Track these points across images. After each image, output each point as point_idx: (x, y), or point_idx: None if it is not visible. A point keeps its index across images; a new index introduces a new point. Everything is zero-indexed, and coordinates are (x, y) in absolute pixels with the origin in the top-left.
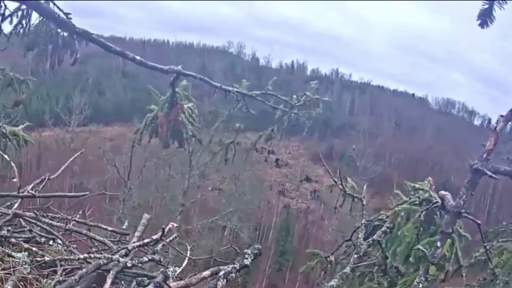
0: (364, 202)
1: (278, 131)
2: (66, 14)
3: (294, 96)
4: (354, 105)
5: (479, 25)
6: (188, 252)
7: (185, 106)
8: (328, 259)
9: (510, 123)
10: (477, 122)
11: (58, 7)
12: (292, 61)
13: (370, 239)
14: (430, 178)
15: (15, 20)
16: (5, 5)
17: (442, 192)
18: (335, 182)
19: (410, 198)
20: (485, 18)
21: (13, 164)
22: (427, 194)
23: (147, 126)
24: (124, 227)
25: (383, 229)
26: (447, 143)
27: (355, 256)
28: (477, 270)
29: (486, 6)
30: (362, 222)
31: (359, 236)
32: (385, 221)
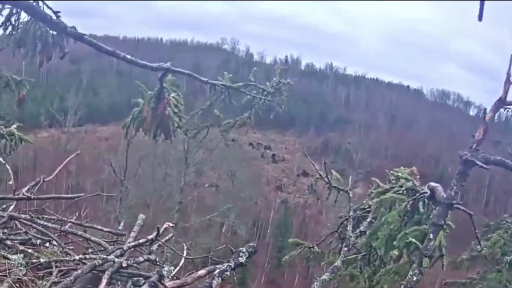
0: (351, 195)
1: (252, 117)
2: (56, 12)
3: (267, 83)
4: (349, 98)
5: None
6: (185, 251)
7: (173, 94)
8: (312, 249)
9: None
10: (472, 112)
11: (47, 6)
12: (286, 56)
13: (357, 231)
14: (413, 168)
15: (1, 19)
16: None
17: (433, 183)
18: (320, 175)
19: (392, 187)
20: None
21: (8, 167)
22: (410, 183)
23: (133, 119)
24: (120, 227)
25: (368, 219)
26: (443, 135)
27: (345, 249)
28: (476, 263)
29: None
30: (350, 214)
31: (348, 228)
32: (369, 210)
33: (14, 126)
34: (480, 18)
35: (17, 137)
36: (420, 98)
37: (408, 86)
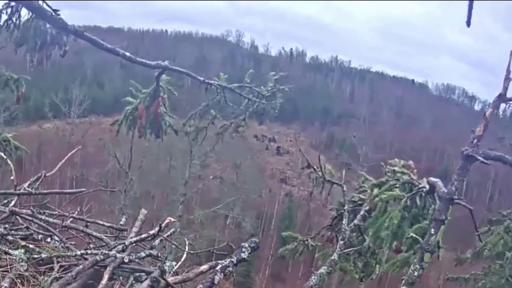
0: (345, 188)
1: (246, 119)
2: (55, 10)
3: (262, 87)
4: (354, 92)
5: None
6: (187, 246)
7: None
8: (306, 242)
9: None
10: (477, 107)
11: (47, 4)
12: (291, 49)
13: (351, 224)
14: (410, 161)
15: (4, 17)
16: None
17: (432, 179)
18: (315, 169)
19: (387, 181)
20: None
21: (9, 162)
22: (406, 177)
23: (126, 117)
24: (121, 222)
25: (361, 213)
26: (448, 129)
27: (341, 242)
28: (480, 259)
29: None
30: (345, 208)
31: (343, 222)
32: (361, 203)
33: (10, 135)
34: (468, 23)
35: (12, 144)
36: (425, 93)
37: (413, 80)
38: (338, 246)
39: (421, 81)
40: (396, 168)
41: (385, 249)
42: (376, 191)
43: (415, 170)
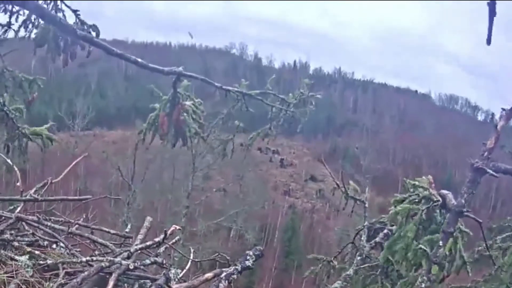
0: (366, 205)
1: (274, 128)
2: (75, 11)
3: (290, 94)
4: (357, 103)
5: None
6: (192, 254)
7: (189, 103)
8: (332, 263)
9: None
10: (480, 117)
11: (66, 5)
12: (295, 61)
13: (372, 241)
14: (430, 176)
15: (21, 17)
16: (13, 4)
17: (443, 191)
18: (337, 185)
19: (410, 196)
20: None
21: (16, 169)
22: (426, 192)
23: (150, 125)
24: (127, 230)
25: (385, 231)
26: (451, 140)
27: (358, 258)
28: (481, 265)
29: None
30: (365, 224)
31: (362, 238)
32: (387, 223)
33: (47, 125)
34: (488, 42)
35: (44, 137)
36: (428, 103)
37: (416, 91)
38: (355, 262)
39: (424, 91)
40: (417, 183)
41: (397, 267)
42: (396, 209)
43: (433, 184)
